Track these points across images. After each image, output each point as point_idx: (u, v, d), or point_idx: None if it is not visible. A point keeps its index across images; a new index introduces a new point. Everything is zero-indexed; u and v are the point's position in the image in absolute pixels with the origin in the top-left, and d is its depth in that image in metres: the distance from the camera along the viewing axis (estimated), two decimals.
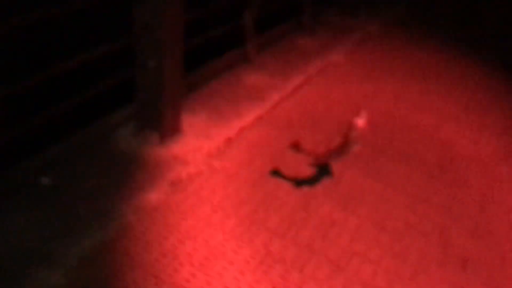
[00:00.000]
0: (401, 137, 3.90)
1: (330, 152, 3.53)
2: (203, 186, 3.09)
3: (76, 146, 3.25)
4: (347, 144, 3.56)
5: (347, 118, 4.04)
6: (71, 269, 2.42)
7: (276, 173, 3.29)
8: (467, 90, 4.80)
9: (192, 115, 3.74)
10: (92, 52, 3.25)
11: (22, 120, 3.01)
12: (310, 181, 3.28)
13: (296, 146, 3.58)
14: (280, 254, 2.68)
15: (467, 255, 2.94)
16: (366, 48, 5.38)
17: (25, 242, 2.53)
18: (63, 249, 2.50)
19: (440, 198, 3.34)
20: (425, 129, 4.07)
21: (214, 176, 3.19)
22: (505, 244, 3.06)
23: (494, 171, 3.70)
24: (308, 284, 2.55)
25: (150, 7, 3.02)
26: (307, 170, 3.36)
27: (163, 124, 3.37)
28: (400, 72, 4.95)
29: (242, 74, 4.40)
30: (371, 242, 2.88)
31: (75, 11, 3.10)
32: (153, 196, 2.96)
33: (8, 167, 2.88)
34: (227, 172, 3.24)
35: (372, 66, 5.01)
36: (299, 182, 3.23)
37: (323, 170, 3.38)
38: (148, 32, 3.09)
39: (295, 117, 4.01)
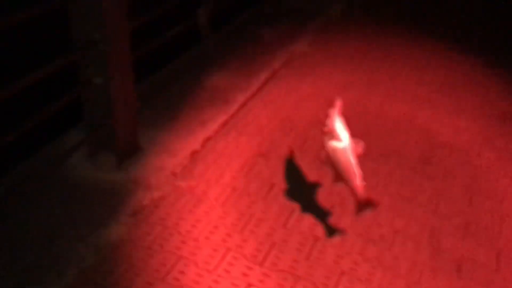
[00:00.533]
0: (377, 131, 3.66)
1: None
2: (169, 213, 2.78)
3: (21, 180, 2.90)
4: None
5: (319, 114, 3.81)
6: None
7: None
8: (439, 73, 4.57)
9: (151, 128, 3.41)
10: (31, 74, 2.87)
11: None
12: None
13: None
14: (262, 286, 2.41)
15: (460, 257, 2.73)
16: (331, 34, 5.10)
17: None
18: None
19: (425, 195, 3.12)
20: (401, 120, 3.83)
21: (180, 199, 2.88)
22: (499, 239, 2.87)
23: (477, 159, 3.51)
24: None
25: (90, 18, 2.68)
26: (281, 182, 3.09)
27: (118, 145, 3.04)
28: (369, 58, 4.69)
29: (202, 76, 4.07)
30: (358, 256, 2.64)
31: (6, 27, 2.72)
32: (114, 230, 2.65)
33: None
34: (194, 193, 2.94)
35: (339, 53, 4.73)
36: None
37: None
38: (90, 46, 2.74)
39: (263, 118, 3.72)
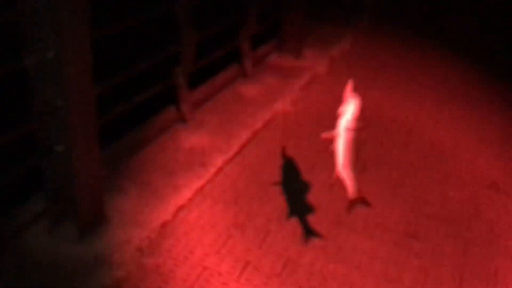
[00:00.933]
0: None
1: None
2: None
3: None
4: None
5: (301, 179, 3.62)
6: None
7: None
8: (425, 139, 4.42)
9: (119, 195, 3.19)
10: None
11: None
12: None
13: None
14: None
15: None
16: (314, 91, 4.97)
17: None
18: None
19: (411, 275, 2.89)
20: (385, 188, 3.64)
21: (145, 280, 2.63)
22: None
23: (467, 232, 3.30)
24: None
25: (52, 83, 2.49)
26: (256, 259, 2.86)
27: (80, 217, 2.80)
28: None
29: (179, 136, 3.88)
30: None
31: None
32: None
33: None
34: (161, 272, 2.69)
35: (323, 113, 4.57)
36: None
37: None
38: (53, 113, 2.55)
39: (242, 184, 3.51)
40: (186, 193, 3.32)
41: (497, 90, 5.46)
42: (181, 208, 3.18)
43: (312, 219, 3.18)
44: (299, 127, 4.33)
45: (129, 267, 2.69)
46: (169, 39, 3.55)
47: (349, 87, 2.71)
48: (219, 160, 3.69)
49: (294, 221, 3.18)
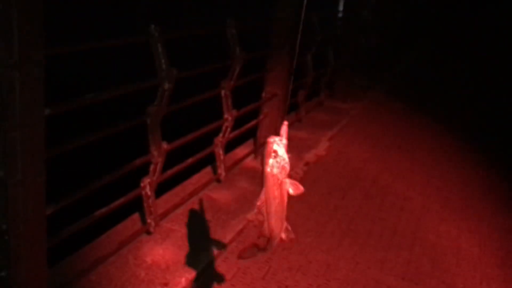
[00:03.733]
0: None
1: None
2: None
3: None
4: None
5: None
6: None
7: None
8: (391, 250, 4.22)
9: None
10: None
11: None
12: None
13: None
14: None
15: None
16: (287, 199, 4.77)
17: None
18: None
19: None
20: None
21: None
22: None
23: None
24: None
25: None
26: None
27: None
28: (329, 230, 4.31)
29: (141, 249, 3.59)
30: None
31: None
32: None
33: None
34: None
35: (295, 225, 4.37)
36: None
37: None
38: None
39: None
40: None
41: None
42: None
43: None
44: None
45: None
46: (137, 150, 3.38)
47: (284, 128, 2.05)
48: (183, 280, 3.39)
49: None
